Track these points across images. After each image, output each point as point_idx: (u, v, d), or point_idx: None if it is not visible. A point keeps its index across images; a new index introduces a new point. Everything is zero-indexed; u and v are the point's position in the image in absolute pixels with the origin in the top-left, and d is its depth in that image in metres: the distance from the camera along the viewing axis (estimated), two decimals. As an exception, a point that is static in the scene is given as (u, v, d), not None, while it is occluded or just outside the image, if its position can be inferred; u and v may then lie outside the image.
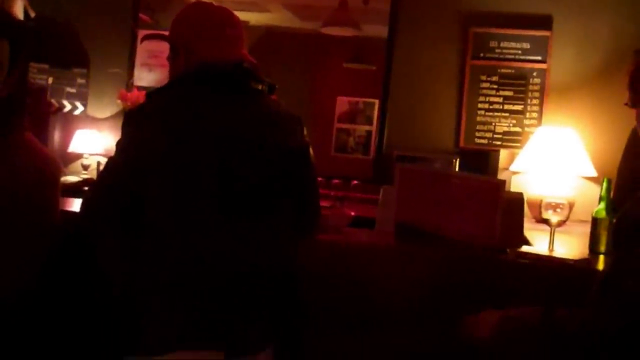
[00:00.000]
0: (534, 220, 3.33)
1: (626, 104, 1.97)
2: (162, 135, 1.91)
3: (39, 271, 2.03)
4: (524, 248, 2.48)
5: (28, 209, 1.95)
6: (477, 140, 4.47)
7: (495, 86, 4.47)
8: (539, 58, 4.41)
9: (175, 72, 2.12)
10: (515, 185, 4.14)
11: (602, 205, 2.55)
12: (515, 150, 4.31)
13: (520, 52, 4.45)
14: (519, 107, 4.42)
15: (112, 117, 4.96)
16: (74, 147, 4.85)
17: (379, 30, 4.72)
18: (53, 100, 4.88)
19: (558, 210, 2.45)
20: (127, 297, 1.93)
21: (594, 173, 3.95)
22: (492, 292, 2.20)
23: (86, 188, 2.98)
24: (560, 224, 2.48)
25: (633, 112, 1.95)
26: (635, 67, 1.96)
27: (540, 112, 4.38)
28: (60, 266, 2.18)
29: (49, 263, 2.07)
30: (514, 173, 4.20)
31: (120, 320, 1.95)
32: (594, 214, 2.57)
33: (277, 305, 2.01)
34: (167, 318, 1.88)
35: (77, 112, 5.02)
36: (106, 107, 5.02)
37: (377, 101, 4.74)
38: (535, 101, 4.40)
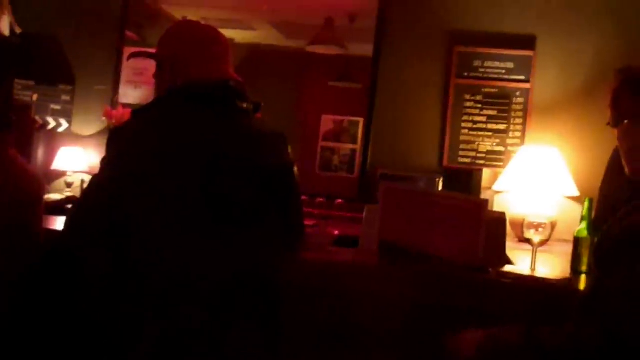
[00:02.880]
0: (516, 239, 3.35)
1: (608, 124, 1.99)
2: (146, 154, 1.92)
3: (20, 289, 2.02)
4: (507, 267, 2.49)
5: (10, 227, 1.95)
6: (461, 160, 4.48)
7: (479, 105, 4.50)
8: (523, 78, 4.44)
9: (161, 90, 2.13)
10: (498, 204, 4.16)
11: (584, 225, 2.57)
12: (499, 170, 4.33)
13: (504, 71, 4.48)
14: (503, 127, 4.45)
15: (97, 134, 4.94)
16: (57, 164, 4.83)
17: (365, 49, 4.73)
18: (37, 117, 4.86)
19: (540, 229, 2.47)
20: (111, 315, 1.92)
21: (576, 192, 3.97)
22: (475, 311, 2.21)
23: (69, 206, 2.96)
24: (543, 243, 2.50)
25: (615, 132, 1.97)
26: (617, 86, 1.98)
27: (524, 132, 4.41)
28: (43, 284, 2.17)
29: (30, 281, 2.06)
30: (497, 192, 4.22)
31: (104, 338, 1.94)
32: (575, 234, 2.59)
33: (260, 323, 2.01)
34: (151, 334, 1.88)
35: (61, 129, 5.01)
36: (91, 125, 5.01)
37: (361, 120, 4.75)
38: (518, 120, 4.43)
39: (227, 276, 1.93)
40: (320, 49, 4.96)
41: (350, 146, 4.81)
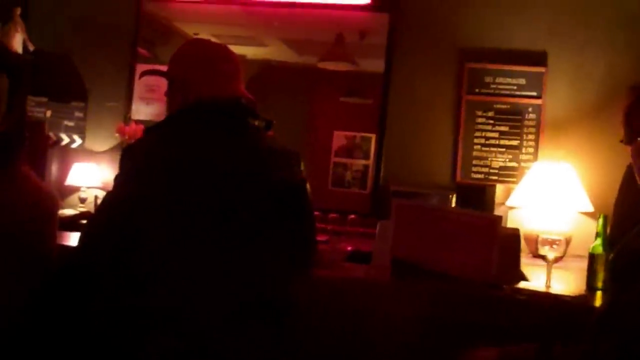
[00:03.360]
0: (530, 255, 3.33)
1: (621, 141, 1.98)
2: (159, 172, 1.92)
3: (33, 306, 2.02)
4: (521, 284, 2.47)
5: (24, 244, 1.95)
6: (474, 175, 4.48)
7: (491, 121, 4.50)
8: (534, 94, 4.44)
9: (172, 108, 2.14)
10: (512, 220, 4.14)
11: (599, 241, 2.56)
12: (512, 186, 4.32)
13: (515, 87, 4.48)
14: (515, 142, 4.44)
15: (110, 150, 4.96)
16: (71, 180, 4.85)
17: (376, 65, 4.75)
18: (51, 134, 4.89)
19: (554, 246, 2.45)
20: (122, 332, 1.92)
21: (590, 208, 3.95)
22: (489, 328, 2.19)
23: (83, 221, 2.97)
24: (557, 259, 2.48)
25: (629, 147, 1.96)
26: (630, 103, 1.97)
27: (536, 147, 4.40)
28: (56, 301, 2.17)
29: (44, 298, 2.06)
30: (511, 208, 4.21)
31: (112, 353, 1.94)
32: (590, 250, 2.57)
33: (272, 341, 2.00)
34: (158, 351, 1.87)
35: (74, 146, 5.03)
36: (104, 141, 5.03)
37: (373, 135, 4.75)
38: (531, 136, 4.42)
39: (237, 293, 1.93)
40: (331, 65, 4.97)
41: (363, 162, 4.82)
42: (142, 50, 5.07)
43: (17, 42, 4.72)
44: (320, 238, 2.40)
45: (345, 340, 2.35)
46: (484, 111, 4.50)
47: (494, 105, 4.50)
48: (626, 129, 1.95)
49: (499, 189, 4.37)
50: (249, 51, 4.92)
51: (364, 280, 2.60)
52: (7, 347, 1.93)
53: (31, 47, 4.83)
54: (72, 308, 2.25)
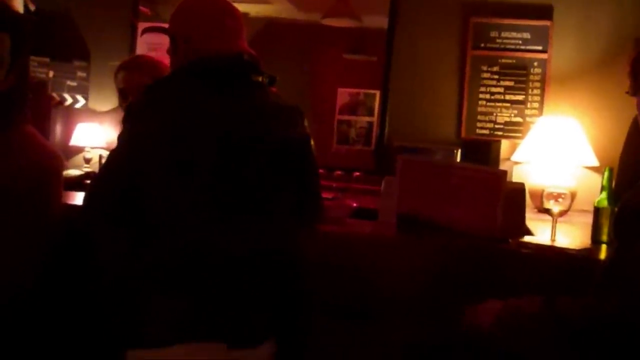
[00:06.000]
0: (535, 210, 3.33)
1: (627, 92, 1.97)
2: (162, 129, 1.91)
3: (41, 265, 2.03)
4: (526, 238, 2.47)
5: (30, 204, 1.95)
6: (479, 131, 4.46)
7: (496, 76, 4.47)
8: (540, 48, 4.40)
9: (175, 65, 2.12)
10: (517, 175, 4.14)
11: (604, 194, 2.55)
12: (517, 141, 4.32)
13: (520, 42, 4.45)
14: (520, 97, 4.42)
15: (113, 110, 4.94)
16: (75, 140, 4.86)
17: (379, 21, 4.71)
18: (54, 94, 4.88)
19: (560, 200, 2.45)
20: (127, 290, 1.94)
21: (595, 162, 3.94)
22: (494, 282, 2.20)
23: (88, 181, 2.98)
24: (562, 213, 2.48)
25: (634, 100, 1.94)
26: (636, 55, 1.95)
27: (542, 102, 4.38)
28: (63, 260, 2.18)
29: (51, 257, 2.07)
30: (516, 163, 4.20)
31: (122, 313, 1.96)
32: (595, 204, 2.57)
33: (279, 296, 2.01)
34: (168, 311, 1.88)
35: (78, 106, 5.02)
36: (107, 100, 5.02)
37: (378, 92, 4.73)
38: (536, 91, 4.39)
39: (244, 250, 1.94)
40: (334, 22, 4.93)
41: (367, 119, 4.80)
42: (143, 9, 5.03)
43: (18, 1, 4.68)
44: (326, 195, 2.40)
45: (351, 295, 2.36)
46: (489, 66, 4.47)
47: (499, 60, 4.47)
48: (632, 80, 1.94)
49: (504, 144, 4.36)
50: (251, 9, 4.88)
51: (371, 235, 2.60)
52: (15, 306, 1.95)
53: (32, 7, 4.78)
54: (78, 267, 2.27)
